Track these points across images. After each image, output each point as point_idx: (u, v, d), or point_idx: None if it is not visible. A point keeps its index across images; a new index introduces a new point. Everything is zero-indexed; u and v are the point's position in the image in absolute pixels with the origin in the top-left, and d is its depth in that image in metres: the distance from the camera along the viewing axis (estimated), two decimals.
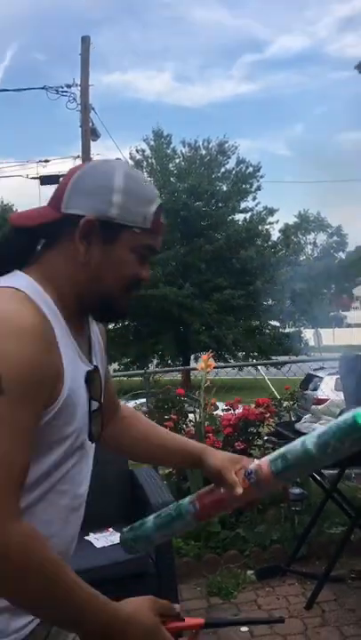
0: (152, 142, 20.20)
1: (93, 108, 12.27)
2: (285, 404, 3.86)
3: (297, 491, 3.19)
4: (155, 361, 19.01)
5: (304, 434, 3.14)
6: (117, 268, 0.90)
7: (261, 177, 20.16)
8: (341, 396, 3.10)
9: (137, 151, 20.20)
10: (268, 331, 19.84)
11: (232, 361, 17.20)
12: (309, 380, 9.67)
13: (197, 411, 3.59)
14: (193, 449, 1.13)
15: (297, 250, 29.81)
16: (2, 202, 25.91)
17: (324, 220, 38.20)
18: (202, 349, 14.78)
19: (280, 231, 24.80)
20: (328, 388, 8.09)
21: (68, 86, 12.14)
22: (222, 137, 20.07)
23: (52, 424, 0.83)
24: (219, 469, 1.04)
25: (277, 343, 19.05)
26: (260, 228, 19.85)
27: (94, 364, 0.96)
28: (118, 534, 2.46)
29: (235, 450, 3.50)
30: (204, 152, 19.87)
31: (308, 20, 75.67)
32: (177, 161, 19.96)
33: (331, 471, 3.08)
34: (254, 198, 20.17)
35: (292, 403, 3.91)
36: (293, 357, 11.35)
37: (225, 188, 19.57)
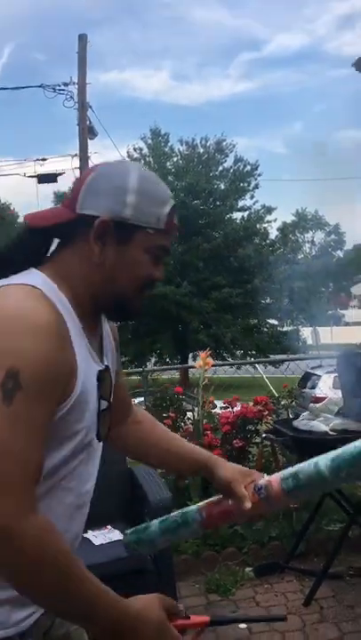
0: (150, 141, 20.20)
1: (91, 107, 12.27)
2: (283, 401, 3.87)
3: None
4: (153, 359, 19.01)
5: (302, 431, 3.14)
6: (131, 269, 0.91)
7: (259, 175, 20.18)
8: (339, 394, 3.11)
9: (134, 150, 20.19)
10: (266, 329, 19.85)
11: (230, 359, 17.20)
12: (307, 379, 9.68)
13: (196, 409, 3.60)
14: (205, 459, 1.13)
15: (295, 248, 29.88)
16: None
17: (322, 218, 38.25)
18: (200, 348, 14.77)
19: (278, 229, 24.88)
20: (326, 387, 8.11)
21: (66, 84, 12.13)
22: (220, 135, 20.07)
23: (64, 419, 0.84)
24: (229, 481, 1.05)
25: (275, 342, 19.07)
26: (257, 226, 19.85)
27: (105, 363, 0.97)
28: (117, 532, 2.49)
29: (233, 447, 3.52)
30: (201, 150, 19.86)
31: (306, 18, 75.63)
32: (175, 159, 19.95)
33: None
34: (252, 197, 20.20)
35: (290, 401, 3.91)
36: (291, 355, 11.36)
37: (223, 187, 19.57)
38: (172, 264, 17.42)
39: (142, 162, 19.68)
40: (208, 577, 2.86)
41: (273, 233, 21.90)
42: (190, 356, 17.59)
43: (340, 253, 38.47)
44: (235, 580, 2.83)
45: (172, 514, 1.14)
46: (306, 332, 23.54)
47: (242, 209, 20.00)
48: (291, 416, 3.62)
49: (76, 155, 12.48)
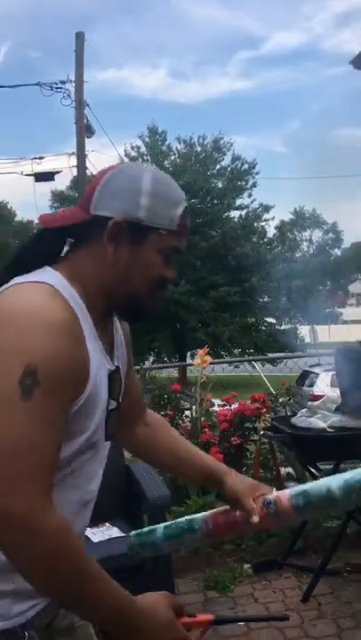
0: (147, 139, 20.20)
1: (88, 105, 12.24)
2: (281, 399, 3.88)
3: (293, 485, 3.21)
4: (151, 358, 19.03)
5: (300, 428, 3.13)
6: (145, 269, 0.92)
7: (257, 174, 20.23)
8: (337, 392, 3.10)
9: (132, 148, 20.21)
10: (263, 328, 19.89)
11: (228, 358, 17.23)
12: (305, 377, 9.70)
13: (193, 407, 3.60)
14: (215, 469, 1.14)
15: (293, 247, 29.90)
16: None
17: (320, 216, 38.23)
18: (198, 346, 14.78)
19: (276, 228, 24.86)
20: (324, 384, 8.12)
21: (63, 82, 12.08)
22: (218, 134, 20.09)
23: (75, 416, 0.85)
24: (238, 494, 1.06)
25: (273, 340, 19.10)
26: (255, 225, 19.89)
27: (116, 364, 0.98)
28: (115, 529, 2.49)
29: (231, 445, 3.52)
30: (199, 149, 19.88)
31: (304, 16, 75.60)
32: (172, 158, 19.97)
33: (327, 465, 3.09)
34: (250, 195, 20.24)
35: (288, 398, 3.92)
36: (289, 353, 11.38)
37: (220, 185, 19.60)
38: None
39: (140, 160, 19.68)
40: (206, 574, 2.86)
41: (271, 231, 21.95)
42: (188, 354, 17.61)
43: (337, 252, 38.48)
44: (233, 577, 2.84)
45: (178, 520, 1.14)
46: (304, 331, 23.59)
47: (240, 207, 20.04)
48: (289, 414, 3.62)
49: (73, 153, 12.44)
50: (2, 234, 23.33)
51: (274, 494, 1.03)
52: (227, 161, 20.02)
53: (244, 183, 20.03)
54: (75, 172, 12.66)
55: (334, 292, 37.75)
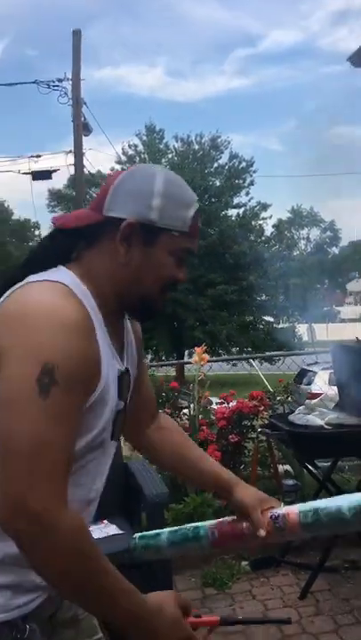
0: (144, 137, 20.17)
1: (85, 103, 12.22)
2: (279, 397, 3.88)
3: (290, 482, 3.22)
4: (149, 356, 19.01)
5: (298, 425, 3.13)
6: (156, 270, 0.93)
7: (254, 172, 20.19)
8: (335, 390, 3.11)
9: (129, 146, 20.16)
10: (261, 326, 19.89)
11: (225, 356, 17.23)
12: (303, 375, 9.70)
13: (191, 405, 3.60)
14: (225, 478, 1.13)
15: (290, 245, 29.91)
16: None
17: (318, 215, 38.27)
18: (196, 345, 14.78)
19: (273, 226, 24.87)
20: (322, 383, 8.12)
21: (60, 80, 12.07)
22: (215, 132, 20.05)
23: (86, 414, 0.86)
24: (246, 506, 1.06)
25: (271, 338, 19.10)
26: (253, 223, 19.88)
27: (126, 365, 0.99)
28: (113, 526, 2.49)
29: (228, 442, 3.53)
30: (196, 147, 19.85)
31: (301, 14, 75.59)
32: (170, 156, 19.94)
33: (324, 463, 3.10)
34: (247, 193, 20.20)
35: (285, 396, 3.92)
36: (287, 351, 11.39)
37: (218, 184, 19.57)
38: None
39: (137, 159, 19.67)
40: (204, 571, 2.87)
41: (268, 230, 21.94)
42: (186, 353, 17.59)
43: (335, 250, 38.54)
44: (231, 574, 2.85)
45: (184, 526, 1.14)
46: (302, 329, 23.60)
47: (237, 206, 20.03)
48: (286, 411, 3.63)
49: (70, 151, 12.42)
50: None
51: (283, 509, 1.02)
52: (224, 159, 20.02)
53: (241, 181, 20.00)
54: (72, 170, 12.65)
55: (332, 290, 37.79)
